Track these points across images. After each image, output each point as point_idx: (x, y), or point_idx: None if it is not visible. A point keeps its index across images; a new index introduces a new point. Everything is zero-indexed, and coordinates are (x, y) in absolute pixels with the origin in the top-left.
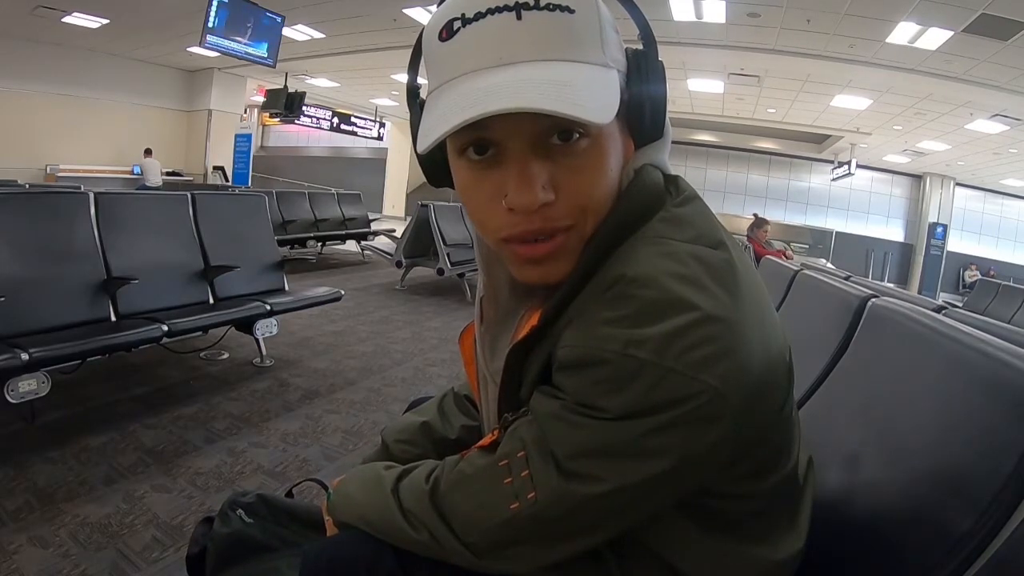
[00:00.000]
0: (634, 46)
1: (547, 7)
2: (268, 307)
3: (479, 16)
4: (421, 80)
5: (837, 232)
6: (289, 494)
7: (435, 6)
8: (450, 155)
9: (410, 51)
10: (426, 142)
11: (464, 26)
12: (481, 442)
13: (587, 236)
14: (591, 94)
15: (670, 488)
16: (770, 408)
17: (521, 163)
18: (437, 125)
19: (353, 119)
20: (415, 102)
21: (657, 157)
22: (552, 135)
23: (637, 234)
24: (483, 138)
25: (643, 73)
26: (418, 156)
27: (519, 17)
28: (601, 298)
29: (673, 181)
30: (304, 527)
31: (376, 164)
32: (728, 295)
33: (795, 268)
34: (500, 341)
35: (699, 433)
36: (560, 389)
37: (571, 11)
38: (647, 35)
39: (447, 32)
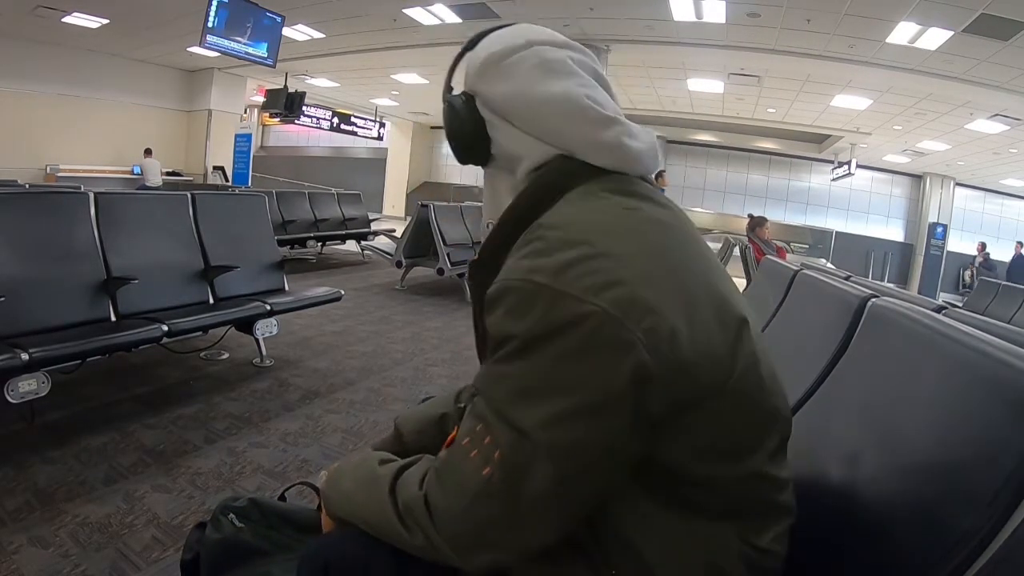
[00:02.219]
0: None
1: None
2: (268, 307)
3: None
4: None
5: (837, 232)
6: (282, 497)
7: (434, 6)
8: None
9: (410, 50)
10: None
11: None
12: (449, 437)
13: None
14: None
15: (614, 432)
16: (703, 367)
17: None
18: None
19: (353, 119)
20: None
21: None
22: None
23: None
24: None
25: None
26: (456, 129)
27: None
28: (520, 245)
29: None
30: (297, 531)
31: (376, 164)
32: (633, 242)
33: (795, 268)
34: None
35: (609, 361)
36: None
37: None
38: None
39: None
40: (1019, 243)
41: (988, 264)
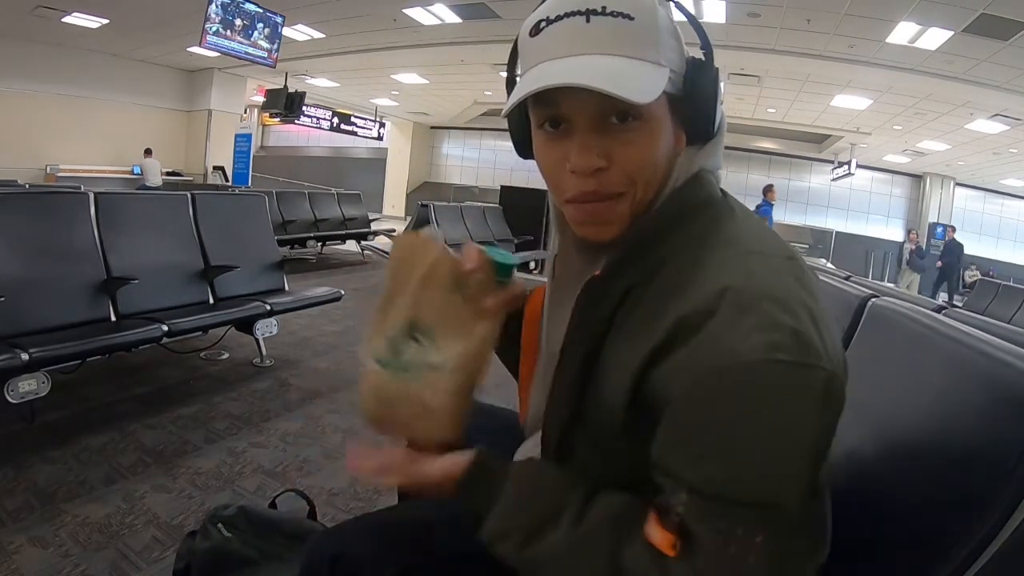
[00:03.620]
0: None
1: (611, 14)
2: (268, 307)
3: (559, 18)
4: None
5: (837, 232)
6: (273, 505)
7: (434, 6)
8: (532, 128)
9: (410, 50)
10: (507, 106)
11: (547, 26)
12: (659, 542)
13: (637, 202)
14: (633, 81)
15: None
16: None
17: (583, 135)
18: (516, 94)
19: (353, 119)
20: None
21: (711, 161)
22: (610, 116)
23: (715, 236)
24: (556, 115)
25: (697, 76)
26: (511, 129)
27: (588, 20)
28: (709, 312)
29: (725, 194)
30: (286, 539)
31: (376, 164)
32: (812, 298)
33: None
34: (563, 307)
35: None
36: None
37: (631, 18)
38: (705, 44)
39: (535, 30)
40: (951, 227)
41: (919, 253)
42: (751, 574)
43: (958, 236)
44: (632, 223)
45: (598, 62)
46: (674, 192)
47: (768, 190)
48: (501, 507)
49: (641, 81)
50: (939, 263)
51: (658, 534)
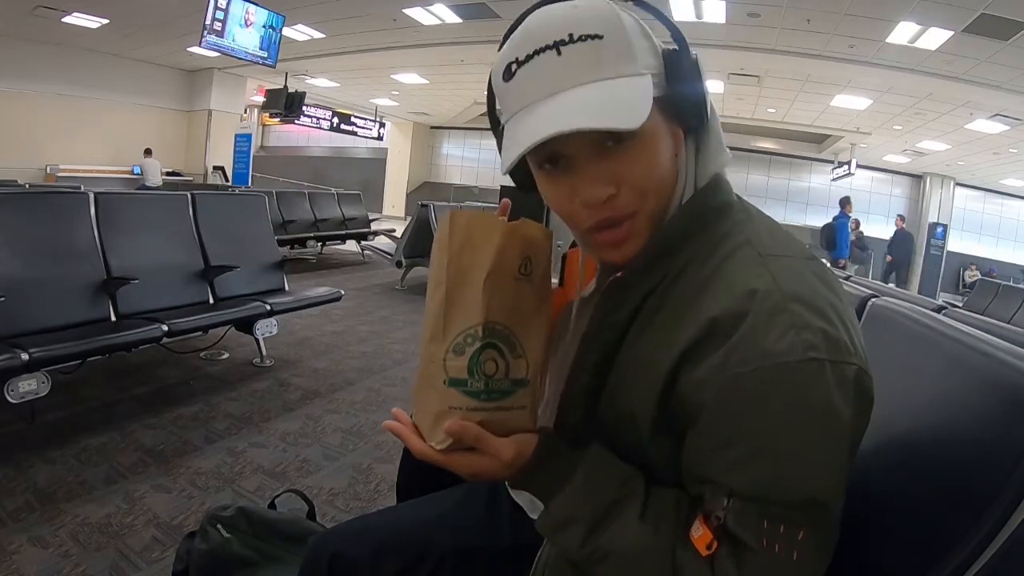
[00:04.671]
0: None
1: (580, 38)
2: (268, 307)
3: (528, 58)
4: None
5: None
6: (272, 505)
7: (434, 6)
8: (532, 169)
9: (410, 50)
10: (505, 166)
11: (519, 68)
12: (700, 540)
13: (652, 213)
14: (622, 105)
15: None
16: None
17: (585, 168)
18: (508, 154)
19: (353, 119)
20: (499, 132)
21: (719, 159)
22: (606, 141)
23: (736, 239)
24: (553, 153)
25: (676, 68)
26: (510, 173)
27: (559, 53)
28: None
29: (740, 198)
30: (286, 540)
31: (376, 164)
32: (836, 296)
33: None
34: (583, 318)
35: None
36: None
37: (600, 37)
38: (676, 35)
39: (507, 74)
40: (900, 216)
41: (860, 244)
42: (796, 571)
43: (958, 236)
44: (652, 233)
45: (581, 96)
46: (694, 196)
47: (846, 203)
48: (570, 493)
49: (629, 103)
50: (888, 256)
51: (700, 531)
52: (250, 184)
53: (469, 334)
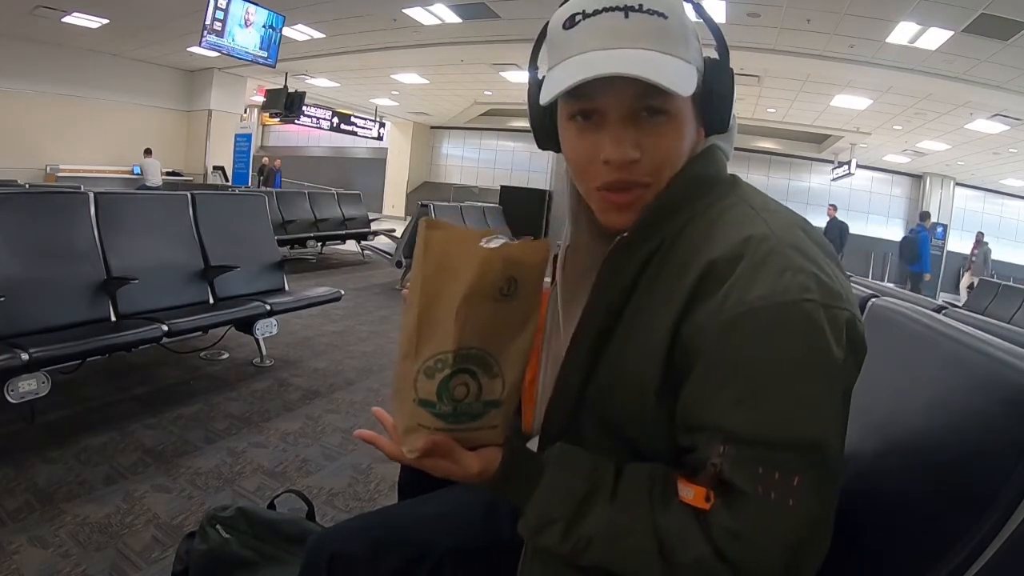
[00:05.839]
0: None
1: (647, 11)
2: (268, 307)
3: (596, 12)
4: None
5: None
6: (271, 506)
7: (434, 6)
8: (560, 119)
9: (410, 50)
10: (547, 96)
11: (584, 19)
12: (693, 499)
13: (658, 193)
14: (674, 74)
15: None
16: None
17: (617, 127)
18: (559, 84)
19: (353, 119)
20: (536, 86)
21: (722, 145)
22: (642, 111)
23: (731, 198)
24: (588, 108)
25: (714, 76)
26: (532, 120)
27: (627, 16)
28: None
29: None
30: (285, 540)
31: (376, 164)
32: (821, 251)
33: None
34: (577, 299)
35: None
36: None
37: (665, 17)
38: (721, 45)
39: (570, 22)
40: (832, 206)
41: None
42: (789, 518)
43: (958, 236)
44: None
45: (640, 55)
46: (690, 161)
47: (926, 217)
48: (540, 495)
49: (680, 75)
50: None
51: (691, 491)
52: (250, 184)
53: (440, 359)
